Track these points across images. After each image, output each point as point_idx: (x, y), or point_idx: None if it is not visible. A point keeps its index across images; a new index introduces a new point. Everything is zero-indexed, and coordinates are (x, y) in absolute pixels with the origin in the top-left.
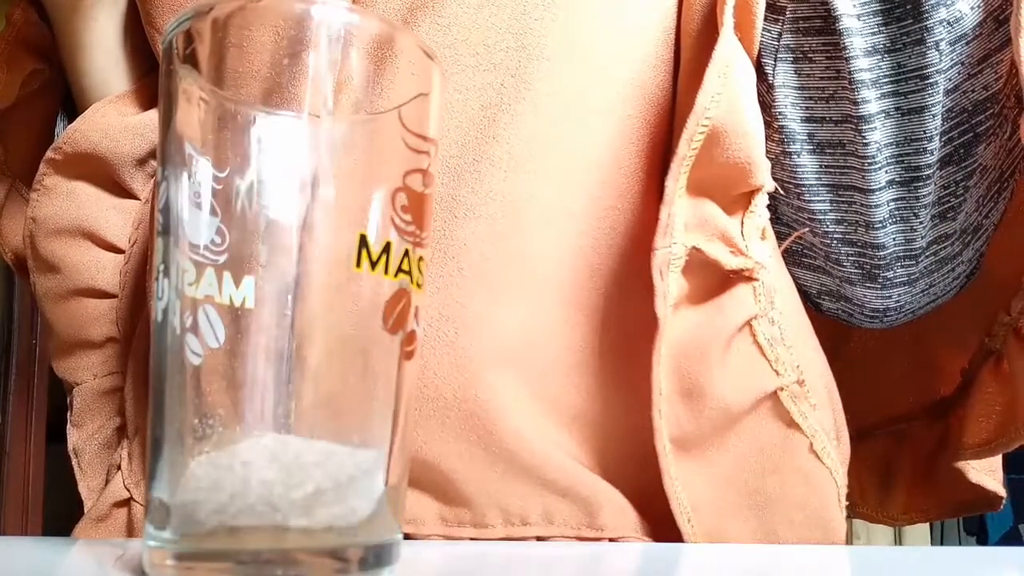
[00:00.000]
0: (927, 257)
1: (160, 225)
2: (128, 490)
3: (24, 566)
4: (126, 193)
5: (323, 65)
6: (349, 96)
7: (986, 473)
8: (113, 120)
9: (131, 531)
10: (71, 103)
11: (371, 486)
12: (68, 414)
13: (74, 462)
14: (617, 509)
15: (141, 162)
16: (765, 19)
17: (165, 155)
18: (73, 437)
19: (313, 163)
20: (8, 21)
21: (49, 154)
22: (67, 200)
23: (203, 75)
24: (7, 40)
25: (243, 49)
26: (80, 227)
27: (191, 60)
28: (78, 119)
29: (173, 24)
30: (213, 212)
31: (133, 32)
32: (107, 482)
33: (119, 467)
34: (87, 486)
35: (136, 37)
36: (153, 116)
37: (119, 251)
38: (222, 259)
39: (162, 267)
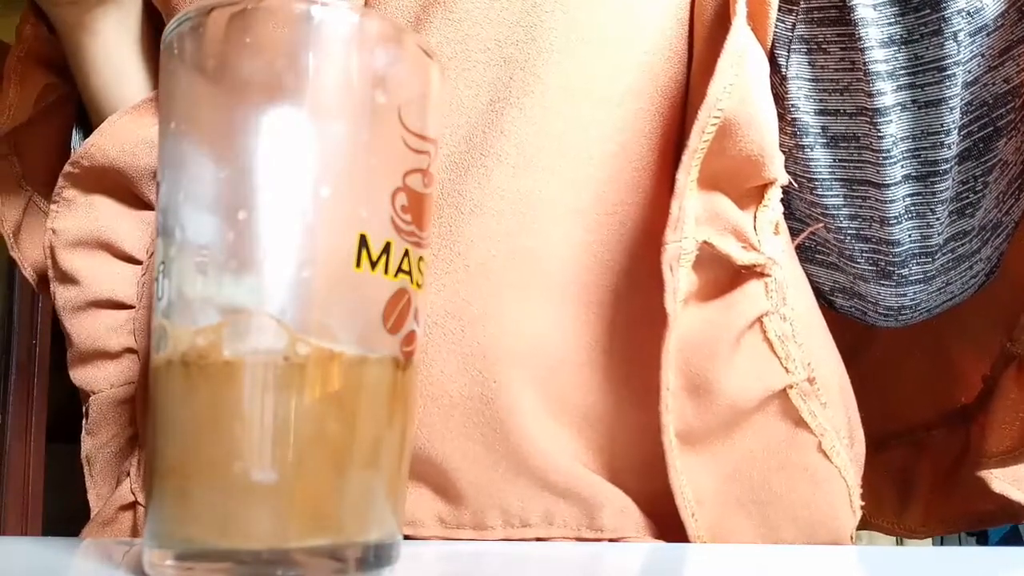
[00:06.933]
0: (944, 254)
1: (160, 225)
2: (134, 494)
3: (24, 566)
4: (143, 204)
5: (323, 65)
6: (349, 96)
7: (1010, 482)
8: (129, 133)
9: (136, 534)
10: (85, 115)
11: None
12: (83, 422)
13: (85, 470)
14: (617, 510)
15: (156, 173)
16: (779, 9)
17: (165, 155)
18: (87, 445)
19: (313, 163)
20: (19, 37)
21: (67, 168)
22: (86, 212)
23: (203, 75)
24: (18, 56)
25: (244, 49)
26: (98, 239)
27: (191, 60)
28: (94, 133)
29: (173, 24)
30: (213, 212)
31: (143, 43)
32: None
33: (128, 473)
34: (96, 494)
35: (146, 48)
36: None
37: (137, 262)
38: (222, 259)
39: (162, 267)
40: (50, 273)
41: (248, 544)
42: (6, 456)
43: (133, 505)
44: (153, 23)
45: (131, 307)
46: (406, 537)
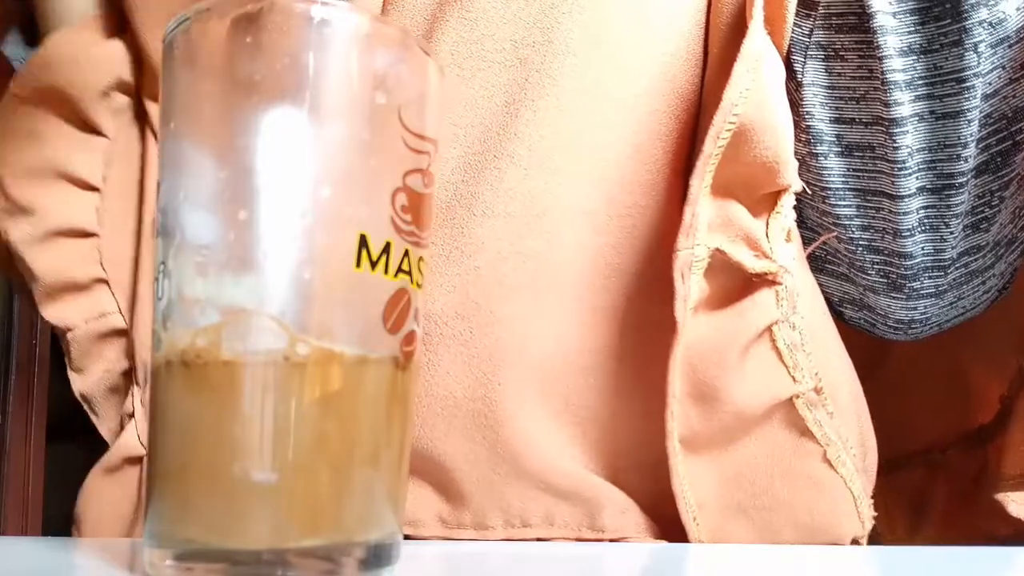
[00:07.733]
0: (956, 269)
1: (160, 225)
2: (142, 444)
3: (24, 566)
4: (92, 129)
5: (323, 65)
6: (349, 96)
7: None
8: (77, 50)
9: (142, 490)
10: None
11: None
12: (66, 360)
13: (86, 408)
14: (618, 510)
15: (105, 95)
16: (796, 14)
17: (165, 155)
18: (77, 384)
19: (313, 163)
20: None
21: (13, 89)
22: (36, 140)
23: (203, 75)
24: None
25: (244, 49)
26: (52, 167)
27: (191, 60)
28: (40, 48)
29: (173, 23)
30: (213, 212)
31: None
32: (122, 428)
33: (132, 416)
34: (107, 428)
35: None
36: (119, 46)
37: (94, 189)
38: (222, 259)
39: (162, 267)
40: (1, 206)
41: (248, 544)
42: (6, 456)
43: (140, 459)
44: None
45: (94, 235)
46: (406, 537)
